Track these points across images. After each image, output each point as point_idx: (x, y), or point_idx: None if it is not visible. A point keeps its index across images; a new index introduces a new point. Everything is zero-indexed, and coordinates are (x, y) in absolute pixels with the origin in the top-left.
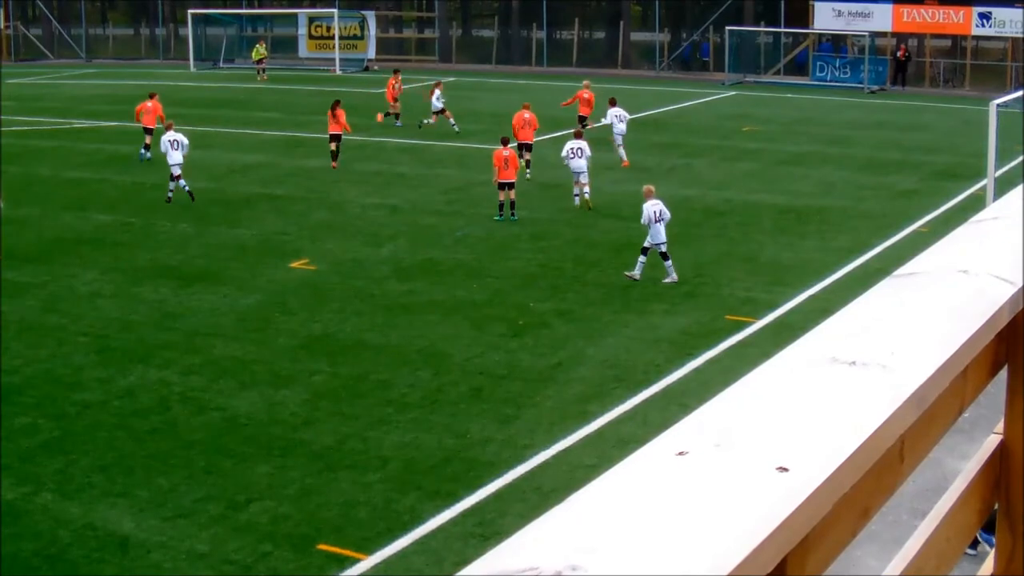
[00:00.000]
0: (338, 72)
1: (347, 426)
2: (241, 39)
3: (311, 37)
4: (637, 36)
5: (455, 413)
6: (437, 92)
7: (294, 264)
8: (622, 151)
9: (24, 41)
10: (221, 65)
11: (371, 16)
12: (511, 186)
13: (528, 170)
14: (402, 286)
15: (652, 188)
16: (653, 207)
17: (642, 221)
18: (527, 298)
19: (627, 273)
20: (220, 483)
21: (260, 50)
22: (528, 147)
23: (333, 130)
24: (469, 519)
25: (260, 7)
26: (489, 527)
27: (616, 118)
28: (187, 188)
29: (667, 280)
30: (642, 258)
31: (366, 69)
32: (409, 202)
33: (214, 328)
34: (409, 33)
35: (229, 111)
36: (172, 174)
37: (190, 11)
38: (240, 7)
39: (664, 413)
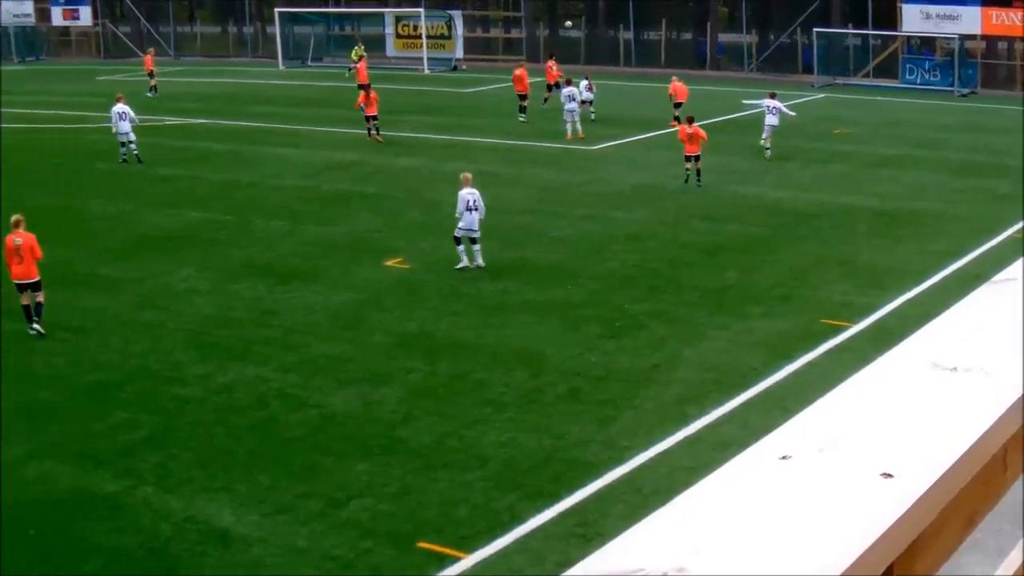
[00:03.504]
0: (426, 71)
1: (445, 425)
2: (328, 38)
3: (398, 36)
4: (724, 37)
5: (553, 414)
6: (585, 82)
7: (388, 262)
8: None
9: (113, 39)
10: (309, 63)
11: (458, 16)
12: (697, 158)
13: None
14: (496, 285)
15: (469, 176)
16: (469, 195)
17: (457, 211)
18: (623, 299)
19: (462, 266)
20: (320, 480)
21: (359, 51)
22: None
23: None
24: (569, 519)
25: (347, 6)
26: (590, 528)
27: (773, 111)
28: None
29: (460, 265)
30: (460, 248)
31: (454, 68)
32: (502, 201)
33: (310, 326)
34: (496, 32)
35: (318, 109)
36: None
37: (278, 9)
38: (327, 6)
39: (764, 416)
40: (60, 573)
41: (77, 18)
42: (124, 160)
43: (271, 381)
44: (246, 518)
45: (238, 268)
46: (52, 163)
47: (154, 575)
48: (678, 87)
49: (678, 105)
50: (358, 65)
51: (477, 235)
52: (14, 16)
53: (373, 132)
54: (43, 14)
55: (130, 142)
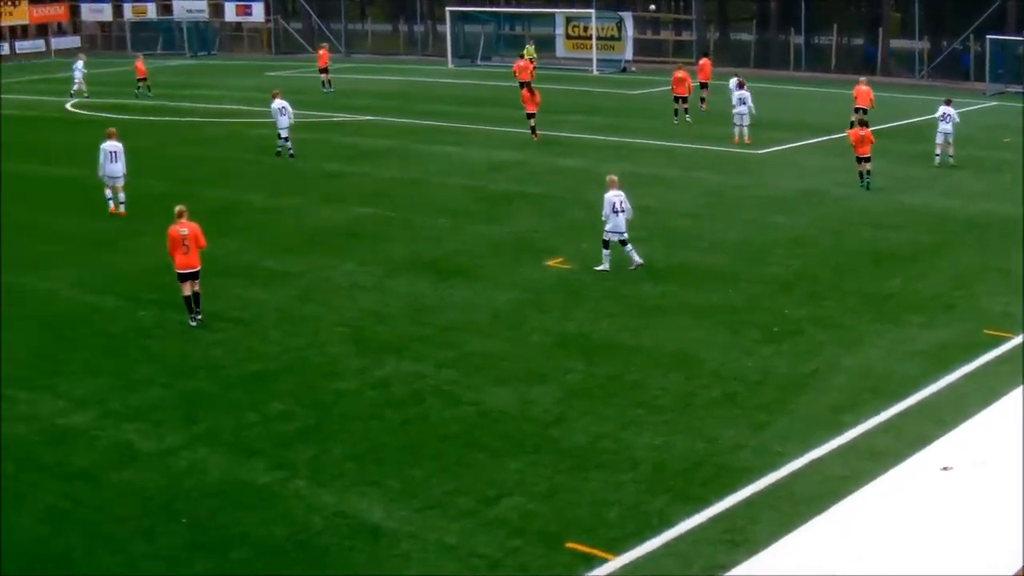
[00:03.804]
0: (595, 72)
1: (599, 426)
2: (499, 38)
3: (568, 37)
4: (896, 43)
5: (707, 417)
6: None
7: (549, 262)
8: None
9: (284, 35)
10: (479, 63)
11: (628, 17)
12: (867, 159)
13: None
14: (656, 288)
15: (615, 178)
16: (615, 197)
17: (603, 213)
18: (783, 304)
19: (596, 268)
20: (471, 477)
21: (530, 50)
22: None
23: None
24: (719, 524)
25: (518, 6)
26: (739, 534)
27: (947, 118)
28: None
29: (600, 268)
30: (605, 251)
31: (623, 70)
32: (664, 204)
33: (469, 323)
34: (666, 35)
35: (487, 109)
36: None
37: (449, 8)
38: (498, 5)
39: (919, 427)
40: (209, 561)
41: (250, 14)
42: (279, 154)
43: (427, 377)
44: (396, 513)
45: (400, 264)
46: (221, 156)
47: (301, 567)
48: (861, 91)
49: (859, 110)
50: (519, 64)
51: (626, 236)
52: (187, 11)
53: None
54: (216, 9)
55: (284, 138)
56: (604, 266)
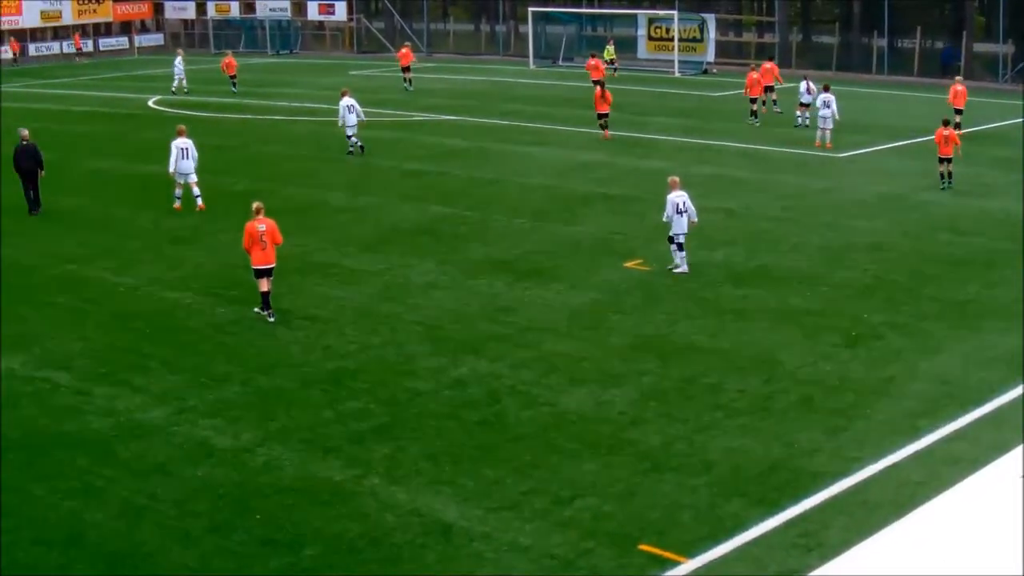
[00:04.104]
0: (676, 74)
1: (674, 428)
2: (581, 38)
3: (650, 38)
4: (980, 47)
5: (784, 421)
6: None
7: (628, 264)
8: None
9: (367, 34)
10: (560, 63)
11: (711, 19)
12: (949, 160)
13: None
14: (736, 291)
15: (677, 179)
16: (677, 199)
17: (665, 215)
18: (861, 309)
19: (675, 270)
20: (546, 478)
21: (610, 50)
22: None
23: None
24: (792, 529)
25: (600, 7)
26: (812, 538)
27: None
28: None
29: (677, 270)
30: (675, 249)
31: (705, 72)
32: (746, 207)
33: (546, 323)
34: (749, 37)
35: (567, 109)
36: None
37: (531, 8)
38: (580, 6)
39: (997, 434)
40: (282, 557)
41: (332, 13)
42: (351, 152)
43: (504, 377)
44: (470, 512)
45: (478, 264)
46: (301, 154)
47: (374, 565)
48: (958, 91)
49: (958, 111)
50: (591, 63)
51: (683, 237)
52: (270, 9)
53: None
54: (299, 8)
55: (350, 136)
56: (680, 266)
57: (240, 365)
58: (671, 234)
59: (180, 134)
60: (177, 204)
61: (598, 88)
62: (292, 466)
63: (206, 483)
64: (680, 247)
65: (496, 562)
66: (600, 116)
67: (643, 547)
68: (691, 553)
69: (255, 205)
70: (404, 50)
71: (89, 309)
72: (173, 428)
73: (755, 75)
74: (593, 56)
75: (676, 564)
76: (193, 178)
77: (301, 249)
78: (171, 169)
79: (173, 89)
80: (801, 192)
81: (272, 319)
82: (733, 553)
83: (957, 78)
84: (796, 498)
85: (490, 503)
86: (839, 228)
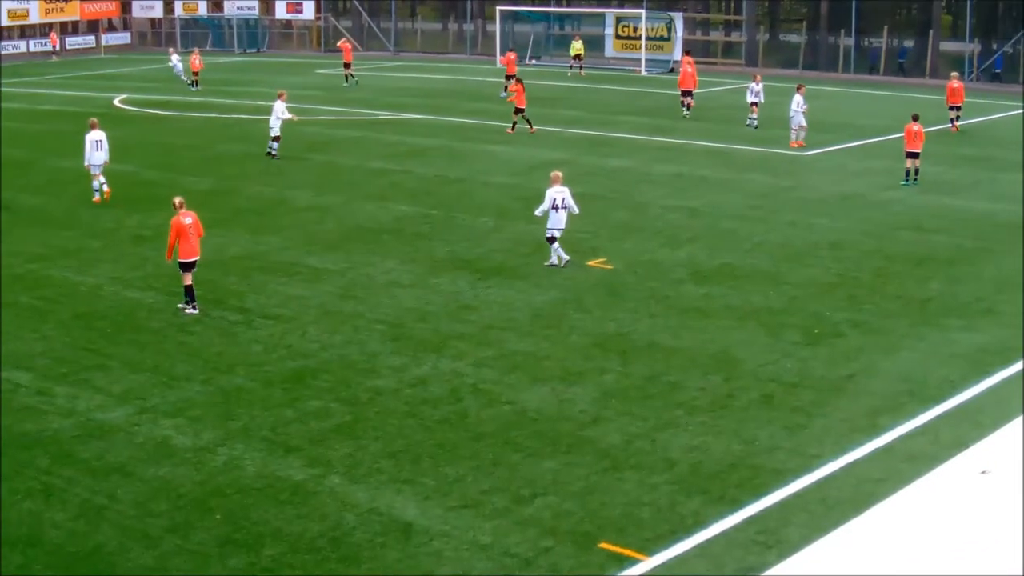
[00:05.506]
0: (643, 73)
1: (635, 426)
2: (549, 37)
3: (617, 37)
4: (947, 46)
5: (744, 419)
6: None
7: (591, 262)
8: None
9: (334, 32)
10: (529, 62)
11: (679, 18)
12: (916, 156)
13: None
14: (698, 289)
15: (560, 175)
16: (557, 194)
17: (540, 208)
18: (823, 307)
19: (546, 263)
20: (506, 476)
21: (576, 46)
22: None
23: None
24: (752, 526)
25: (568, 6)
26: (772, 536)
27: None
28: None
29: (547, 263)
30: (552, 244)
31: (671, 70)
32: (710, 205)
33: (508, 322)
34: (716, 36)
35: (533, 108)
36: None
37: (500, 7)
38: (549, 5)
39: (956, 430)
40: (242, 557)
41: (300, 11)
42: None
43: (465, 375)
44: (430, 511)
45: (441, 263)
46: (265, 153)
47: (334, 564)
48: (954, 87)
49: (953, 107)
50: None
51: (559, 232)
52: (238, 8)
53: (518, 125)
54: (267, 7)
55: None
56: (552, 260)
57: (202, 364)
58: (548, 229)
59: (93, 127)
60: (96, 197)
61: (519, 83)
62: (253, 465)
63: (166, 483)
64: (552, 240)
65: (456, 560)
66: (519, 111)
67: (603, 545)
68: (651, 551)
69: (178, 200)
70: (345, 45)
71: (50, 309)
72: (134, 428)
73: (689, 69)
74: (512, 51)
75: (636, 562)
76: (100, 169)
77: (264, 248)
78: (86, 162)
79: (189, 84)
80: (766, 191)
81: (195, 311)
82: (693, 551)
83: (954, 75)
84: (756, 495)
85: (450, 501)
86: (802, 226)
